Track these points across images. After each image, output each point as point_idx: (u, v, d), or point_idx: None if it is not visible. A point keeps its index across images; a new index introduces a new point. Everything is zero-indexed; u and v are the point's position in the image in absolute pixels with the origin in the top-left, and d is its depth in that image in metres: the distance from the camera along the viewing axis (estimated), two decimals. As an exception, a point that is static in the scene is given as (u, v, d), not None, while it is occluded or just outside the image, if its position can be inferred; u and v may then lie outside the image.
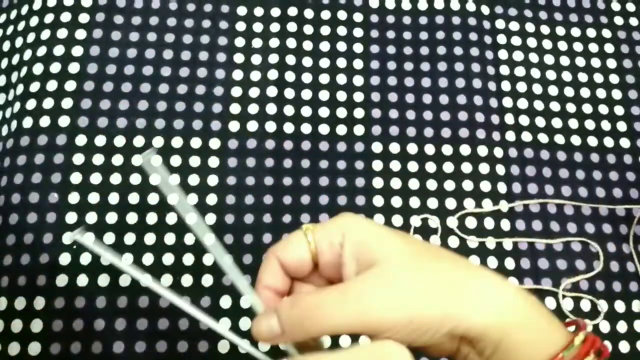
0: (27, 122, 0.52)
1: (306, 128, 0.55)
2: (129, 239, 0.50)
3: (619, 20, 0.63)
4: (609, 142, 0.58)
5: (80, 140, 0.52)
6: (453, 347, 0.32)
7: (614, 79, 0.61)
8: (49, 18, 0.56)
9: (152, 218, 0.51)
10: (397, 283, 0.29)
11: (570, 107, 0.59)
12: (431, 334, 0.30)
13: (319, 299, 0.29)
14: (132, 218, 0.51)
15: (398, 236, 0.31)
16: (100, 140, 0.53)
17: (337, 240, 0.31)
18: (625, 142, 0.58)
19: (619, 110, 0.60)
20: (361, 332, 0.30)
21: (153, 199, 0.52)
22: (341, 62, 0.58)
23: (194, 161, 0.53)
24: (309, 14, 0.60)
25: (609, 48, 0.62)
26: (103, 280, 0.49)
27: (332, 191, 0.54)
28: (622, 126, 0.59)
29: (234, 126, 0.55)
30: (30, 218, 0.50)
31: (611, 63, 0.61)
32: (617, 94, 0.60)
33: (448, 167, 0.55)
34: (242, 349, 0.31)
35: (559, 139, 0.58)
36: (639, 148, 0.58)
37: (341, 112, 0.56)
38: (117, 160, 0.52)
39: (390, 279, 0.30)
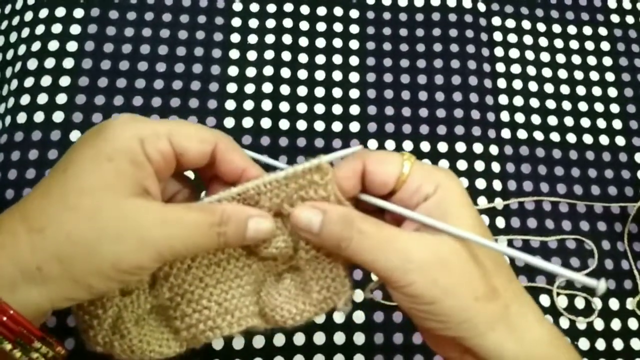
0: (21, 118, 0.52)
1: (302, 125, 0.55)
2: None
3: (615, 18, 0.63)
4: (604, 140, 0.58)
5: (75, 136, 0.52)
6: (456, 353, 0.32)
7: (609, 76, 0.61)
8: (43, 13, 0.55)
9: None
10: (442, 268, 0.29)
11: (566, 105, 0.59)
12: (441, 328, 0.30)
13: (371, 231, 0.29)
14: (126, 214, 0.51)
15: (475, 223, 0.30)
16: (94, 136, 0.52)
17: (428, 189, 0.31)
18: (620, 140, 0.58)
19: (614, 108, 0.60)
20: (380, 277, 0.30)
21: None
22: (337, 59, 0.58)
23: (189, 157, 0.53)
24: (305, 10, 0.59)
25: (605, 46, 0.62)
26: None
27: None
28: (617, 124, 0.59)
29: (229, 122, 0.54)
30: (24, 214, 0.49)
31: (607, 61, 0.61)
32: (612, 92, 0.60)
33: (443, 164, 0.55)
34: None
35: (555, 136, 0.58)
36: (634, 146, 0.58)
37: (337, 109, 0.56)
38: (112, 156, 0.52)
39: (438, 262, 0.29)
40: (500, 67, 0.60)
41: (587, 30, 0.62)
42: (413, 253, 0.29)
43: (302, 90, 0.56)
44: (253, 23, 0.58)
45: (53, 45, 0.54)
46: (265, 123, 0.55)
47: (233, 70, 0.56)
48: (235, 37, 0.57)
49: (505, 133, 0.57)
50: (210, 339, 0.32)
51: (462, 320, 0.29)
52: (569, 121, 0.59)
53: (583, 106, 0.59)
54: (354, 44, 0.59)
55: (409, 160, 0.31)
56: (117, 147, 0.28)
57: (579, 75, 0.60)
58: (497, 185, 0.55)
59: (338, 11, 0.60)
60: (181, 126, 0.31)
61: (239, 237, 0.30)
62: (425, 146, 0.56)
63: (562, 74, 0.60)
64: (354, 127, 0.56)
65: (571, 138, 0.58)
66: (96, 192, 0.27)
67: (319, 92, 0.57)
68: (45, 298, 0.27)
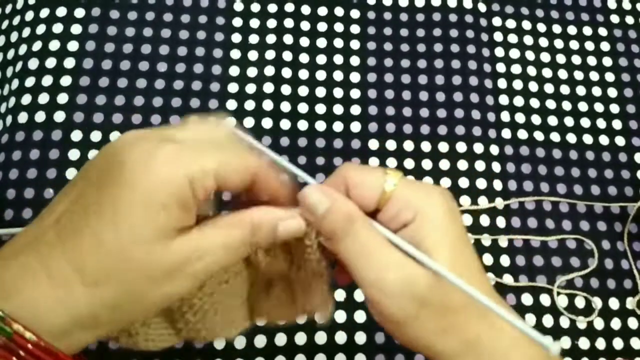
0: (23, 118, 0.52)
1: (303, 125, 0.55)
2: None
3: (615, 19, 0.64)
4: (604, 140, 0.58)
5: (76, 135, 0.52)
6: None
7: (609, 77, 0.61)
8: (44, 12, 0.55)
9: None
10: (411, 297, 0.29)
11: (566, 105, 0.59)
12: (410, 347, 0.30)
13: (364, 238, 0.30)
14: (128, 214, 0.51)
15: (452, 255, 0.30)
16: (96, 136, 0.52)
17: (407, 216, 0.30)
18: (620, 140, 0.59)
19: (614, 108, 0.60)
20: (356, 282, 0.30)
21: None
22: (338, 59, 0.58)
23: (190, 157, 0.53)
24: (305, 10, 0.59)
25: (605, 46, 0.62)
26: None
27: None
28: (617, 124, 0.59)
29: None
30: (26, 214, 0.49)
31: (607, 61, 0.62)
32: (612, 92, 0.60)
33: (444, 164, 0.56)
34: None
35: (555, 136, 0.58)
36: (634, 146, 0.59)
37: (338, 109, 0.56)
38: (113, 156, 0.52)
39: (409, 291, 0.29)
40: (501, 68, 0.60)
41: (587, 31, 0.63)
42: (389, 274, 0.29)
43: (303, 90, 0.56)
44: (254, 23, 0.58)
45: (54, 45, 0.54)
46: (267, 123, 0.55)
47: (234, 70, 0.56)
48: (236, 37, 0.57)
49: (506, 133, 0.57)
50: (206, 341, 0.34)
51: (427, 348, 0.30)
52: (569, 121, 0.59)
53: (583, 106, 0.59)
54: (354, 44, 0.59)
55: (393, 177, 0.30)
56: (170, 193, 0.27)
57: (579, 75, 0.61)
58: (497, 185, 0.55)
59: (339, 11, 0.60)
60: (228, 159, 0.29)
61: (269, 241, 0.31)
62: (426, 146, 0.56)
63: (562, 74, 0.60)
64: (355, 127, 0.56)
65: (571, 138, 0.58)
66: (151, 244, 0.27)
67: (320, 92, 0.57)
68: (95, 337, 0.28)
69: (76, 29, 0.55)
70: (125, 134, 0.29)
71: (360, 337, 0.50)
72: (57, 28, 0.55)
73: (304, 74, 0.57)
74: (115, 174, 0.27)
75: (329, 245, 0.31)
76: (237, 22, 0.58)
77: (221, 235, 0.29)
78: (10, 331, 0.25)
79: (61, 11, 0.56)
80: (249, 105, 0.55)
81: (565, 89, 0.60)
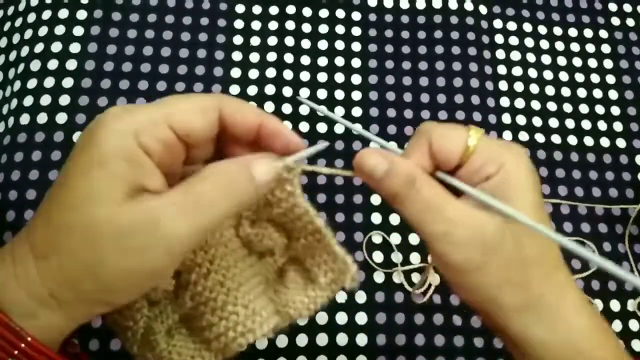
0: (25, 119, 0.52)
1: (304, 126, 0.55)
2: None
3: (615, 21, 0.64)
4: (605, 142, 0.59)
5: (78, 137, 0.52)
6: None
7: (610, 79, 0.61)
8: (46, 15, 0.55)
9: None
10: (482, 247, 0.29)
11: (567, 107, 0.59)
12: (472, 300, 0.30)
13: (427, 195, 0.29)
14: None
15: (533, 207, 0.29)
16: (97, 138, 0.52)
17: (490, 169, 0.30)
18: (621, 143, 0.59)
19: (615, 110, 0.60)
20: (422, 239, 0.30)
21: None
22: (339, 61, 0.58)
23: (192, 159, 0.53)
24: (307, 12, 0.60)
25: (606, 48, 0.62)
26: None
27: (330, 190, 0.54)
28: (618, 126, 0.59)
29: (232, 124, 0.55)
30: (28, 215, 0.49)
31: (608, 63, 0.62)
32: (613, 94, 0.61)
33: (445, 166, 0.56)
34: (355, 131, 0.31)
35: (556, 138, 0.58)
36: (635, 148, 0.59)
37: (339, 111, 0.56)
38: (115, 157, 0.52)
39: (479, 241, 0.29)
40: (502, 70, 0.60)
41: (588, 33, 0.63)
42: (458, 226, 0.29)
43: (304, 92, 0.57)
44: (256, 25, 0.58)
45: (56, 47, 0.54)
46: (268, 125, 0.55)
47: (236, 72, 0.56)
48: (237, 39, 0.58)
49: (507, 135, 0.57)
50: (243, 346, 0.30)
51: (489, 300, 0.29)
52: (570, 123, 0.59)
53: (584, 108, 0.60)
54: (356, 46, 0.59)
55: (475, 135, 0.30)
56: (109, 149, 0.25)
57: (579, 77, 0.61)
58: (498, 187, 0.55)
59: (340, 13, 0.60)
60: (178, 104, 0.27)
61: (250, 193, 0.28)
62: (427, 148, 0.56)
63: (563, 76, 0.60)
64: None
65: (572, 140, 0.58)
66: (88, 206, 0.25)
67: (322, 94, 0.57)
68: (65, 320, 0.26)
69: (78, 30, 0.55)
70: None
71: (362, 339, 0.50)
72: (59, 30, 0.55)
73: (305, 76, 0.57)
74: (76, 146, 0.27)
75: (393, 204, 0.31)
76: (239, 24, 0.58)
77: (188, 194, 0.26)
78: None
79: (63, 13, 0.56)
80: (251, 107, 0.55)
81: (566, 91, 0.60)
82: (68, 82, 0.54)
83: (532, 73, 0.60)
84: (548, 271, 0.30)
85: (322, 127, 0.56)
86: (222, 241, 0.31)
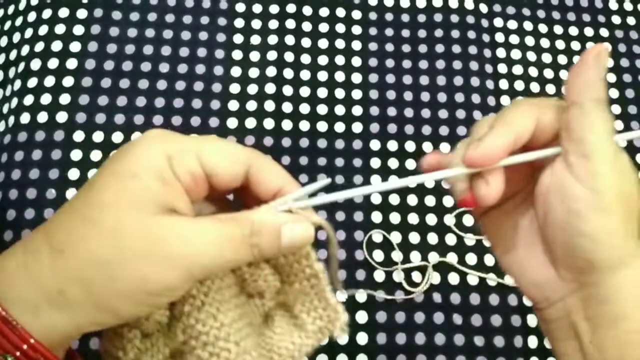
0: (25, 118, 0.52)
1: (304, 125, 0.55)
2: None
3: (616, 20, 0.64)
4: (605, 140, 0.58)
5: (78, 136, 0.52)
6: (559, 291, 0.31)
7: (611, 77, 0.61)
8: (46, 14, 0.56)
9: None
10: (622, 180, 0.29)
11: (568, 106, 0.59)
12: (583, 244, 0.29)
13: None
14: (130, 214, 0.51)
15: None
16: (98, 137, 0.53)
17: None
18: (622, 141, 0.59)
19: (616, 109, 0.60)
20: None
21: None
22: (340, 60, 0.58)
23: (192, 158, 0.53)
24: (307, 11, 0.60)
25: (607, 47, 0.62)
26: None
27: (330, 188, 0.54)
28: (619, 125, 0.59)
29: (232, 123, 0.55)
30: (28, 214, 0.50)
31: (608, 62, 0.62)
32: (614, 93, 0.60)
33: (446, 165, 0.56)
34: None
35: (556, 137, 0.58)
36: (635, 147, 0.59)
37: (339, 110, 0.56)
38: (115, 156, 0.52)
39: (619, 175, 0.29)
40: (502, 68, 0.60)
41: (589, 32, 0.63)
42: (610, 151, 0.29)
43: (304, 91, 0.56)
44: (256, 24, 0.58)
45: (56, 46, 0.54)
46: (268, 124, 0.55)
47: (236, 71, 0.56)
48: (238, 38, 0.58)
49: (507, 134, 0.57)
50: None
51: (601, 245, 0.28)
52: (570, 122, 0.59)
53: (585, 107, 0.59)
54: (356, 45, 0.59)
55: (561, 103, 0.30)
56: (143, 163, 0.26)
57: (580, 76, 0.61)
58: (499, 185, 0.55)
59: (340, 12, 0.60)
60: (211, 144, 0.28)
61: (273, 247, 0.28)
62: (427, 147, 0.56)
63: (564, 75, 0.60)
64: (357, 127, 0.56)
65: (573, 139, 0.58)
66: (119, 208, 0.25)
67: (322, 92, 0.57)
68: (69, 323, 0.26)
69: (78, 29, 0.55)
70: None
71: (362, 338, 0.50)
72: (60, 29, 0.55)
73: (305, 75, 0.57)
74: (110, 159, 0.27)
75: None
76: (239, 23, 0.58)
77: (216, 227, 0.27)
78: None
79: (63, 12, 0.56)
80: (251, 105, 0.55)
81: (566, 90, 0.60)
82: (68, 81, 0.54)
83: (533, 72, 0.60)
84: None
85: (322, 126, 0.55)
86: (219, 275, 0.30)
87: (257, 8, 0.59)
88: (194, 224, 0.26)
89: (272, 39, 0.58)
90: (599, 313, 0.29)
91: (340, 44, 0.59)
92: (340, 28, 0.59)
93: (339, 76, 0.57)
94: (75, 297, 0.25)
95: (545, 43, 0.62)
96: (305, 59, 0.58)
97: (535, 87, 0.60)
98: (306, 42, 0.58)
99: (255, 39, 0.58)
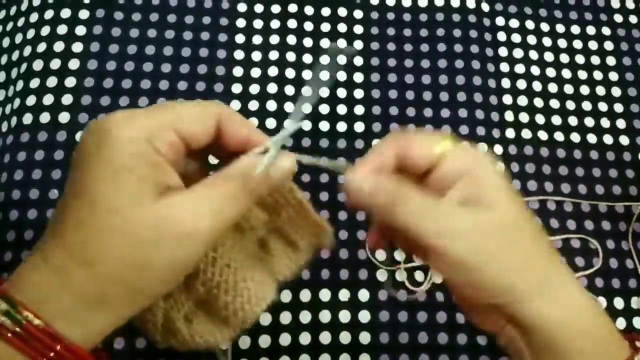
0: (27, 119, 0.52)
1: (306, 125, 0.55)
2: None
3: (618, 18, 0.63)
4: (608, 139, 0.58)
5: (82, 143, 0.52)
6: (497, 324, 0.31)
7: (613, 76, 0.61)
8: (48, 14, 0.56)
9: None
10: (483, 235, 0.29)
11: (570, 105, 0.59)
12: (482, 296, 0.30)
13: (417, 198, 0.30)
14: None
15: (510, 197, 0.30)
16: (100, 137, 0.53)
17: (461, 174, 0.30)
18: (624, 140, 0.59)
19: (618, 107, 0.60)
20: (422, 244, 0.30)
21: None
22: (341, 59, 0.58)
23: (195, 158, 0.53)
24: (309, 10, 0.60)
25: (609, 45, 0.62)
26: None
27: (333, 188, 0.54)
28: (621, 124, 0.59)
29: (234, 123, 0.55)
30: (31, 214, 0.50)
31: (610, 60, 0.62)
32: (616, 92, 0.60)
33: (448, 164, 0.56)
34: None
35: (559, 136, 0.58)
36: (638, 145, 0.59)
37: (341, 109, 0.56)
38: (118, 156, 0.52)
39: (480, 230, 0.29)
40: (504, 67, 0.60)
41: (591, 30, 0.63)
42: (456, 220, 0.29)
43: (306, 91, 0.56)
44: (257, 24, 0.58)
45: (58, 47, 0.55)
46: (270, 123, 0.55)
47: (238, 71, 0.56)
48: (240, 38, 0.58)
49: (510, 133, 0.57)
50: (259, 314, 0.34)
51: (504, 287, 0.29)
52: (572, 121, 0.59)
53: (587, 105, 0.59)
54: (358, 44, 0.59)
55: (445, 142, 0.31)
56: (131, 155, 0.27)
57: (582, 74, 0.61)
58: (501, 184, 0.55)
59: (342, 12, 0.60)
60: (182, 110, 0.30)
61: (266, 186, 0.31)
62: (429, 146, 0.56)
63: (566, 73, 0.60)
64: (359, 127, 0.56)
65: (575, 137, 0.58)
66: (126, 208, 0.27)
67: (324, 92, 0.57)
68: (111, 320, 0.28)
69: (80, 30, 0.56)
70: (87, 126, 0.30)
71: (365, 337, 0.50)
72: (62, 29, 0.55)
73: (307, 75, 0.57)
74: (84, 154, 0.28)
75: (383, 218, 0.31)
76: (241, 23, 0.58)
77: (215, 191, 0.29)
78: (21, 318, 0.25)
79: (65, 13, 0.56)
80: (253, 105, 0.55)
81: (569, 89, 0.60)
82: (70, 82, 0.54)
83: (535, 70, 0.60)
84: (546, 251, 0.31)
85: (324, 126, 0.56)
86: None
87: (258, 8, 0.59)
88: (195, 195, 0.28)
89: (274, 39, 0.58)
90: (532, 341, 0.30)
91: (342, 43, 0.59)
92: (342, 27, 0.59)
93: (341, 75, 0.57)
94: (114, 296, 0.27)
95: (547, 41, 0.61)
96: (307, 58, 0.58)
97: (537, 85, 0.59)
98: (308, 42, 0.58)
99: (257, 39, 0.58)
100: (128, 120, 0.28)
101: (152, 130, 0.28)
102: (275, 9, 0.59)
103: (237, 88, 0.56)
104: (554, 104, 0.59)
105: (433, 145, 0.31)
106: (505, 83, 0.59)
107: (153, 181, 0.27)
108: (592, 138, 0.58)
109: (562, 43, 0.62)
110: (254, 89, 0.56)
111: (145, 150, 0.28)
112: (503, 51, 0.60)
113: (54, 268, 0.27)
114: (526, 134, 0.58)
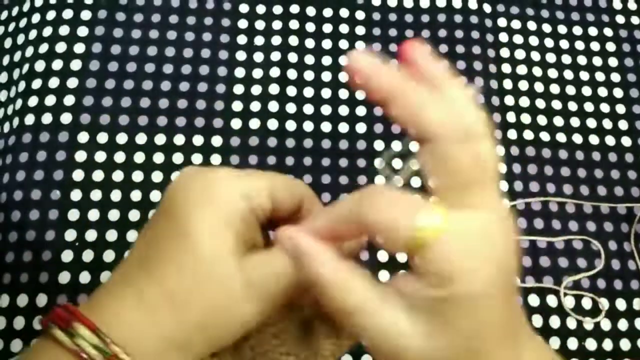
0: (29, 119, 0.52)
1: (308, 126, 0.55)
2: (132, 236, 0.50)
3: (620, 19, 0.63)
4: (610, 140, 0.58)
5: (83, 137, 0.52)
6: None
7: (615, 77, 0.61)
8: (50, 15, 0.56)
9: (154, 215, 0.51)
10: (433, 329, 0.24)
11: (572, 106, 0.59)
12: None
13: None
14: (134, 215, 0.51)
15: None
16: (102, 138, 0.53)
17: (444, 274, 0.23)
18: (626, 141, 0.59)
19: (620, 108, 0.60)
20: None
21: (155, 196, 0.51)
22: (343, 60, 0.58)
23: (196, 158, 0.53)
24: (311, 11, 0.60)
25: (611, 47, 0.62)
26: (106, 277, 0.49)
27: (335, 189, 0.54)
28: (623, 125, 0.59)
29: (236, 124, 0.55)
30: (33, 215, 0.50)
31: (613, 61, 0.62)
32: (618, 93, 0.60)
33: (450, 165, 0.55)
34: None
35: (561, 137, 0.58)
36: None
37: (343, 110, 0.56)
38: (119, 157, 0.52)
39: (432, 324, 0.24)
40: (506, 68, 0.60)
41: (593, 31, 0.63)
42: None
43: (308, 92, 0.56)
44: (259, 25, 0.58)
45: (60, 47, 0.55)
46: (272, 124, 0.55)
47: (240, 72, 0.56)
48: (241, 39, 0.58)
49: (512, 134, 0.57)
50: None
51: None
52: (575, 122, 0.59)
53: (589, 107, 0.59)
54: (360, 46, 0.59)
55: (429, 215, 0.23)
56: (232, 211, 0.28)
57: (584, 76, 0.61)
58: (503, 185, 0.55)
59: (344, 13, 0.60)
60: (278, 181, 0.31)
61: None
62: (431, 147, 0.56)
63: (568, 74, 0.60)
64: (361, 128, 0.56)
65: (577, 139, 0.58)
66: (222, 258, 0.28)
67: (326, 93, 0.57)
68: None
69: (82, 31, 0.56)
70: (183, 169, 0.31)
71: (367, 338, 0.50)
72: (64, 30, 0.55)
73: (309, 75, 0.57)
74: (189, 200, 0.29)
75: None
76: (243, 23, 0.58)
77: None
78: (110, 352, 0.26)
79: (67, 13, 0.56)
80: (255, 106, 0.55)
81: (571, 90, 0.60)
82: (72, 83, 0.54)
83: (537, 71, 0.60)
84: (522, 326, 0.28)
85: (326, 127, 0.56)
86: None
87: (260, 9, 0.59)
88: (278, 256, 0.29)
89: (276, 40, 0.58)
90: None
91: (344, 44, 0.59)
92: (343, 28, 0.59)
93: (343, 76, 0.57)
94: (197, 342, 0.28)
95: (549, 43, 0.61)
96: (309, 59, 0.58)
97: (539, 86, 0.59)
98: (310, 43, 0.58)
99: (259, 40, 0.58)
100: (233, 178, 0.30)
101: (250, 190, 0.29)
102: (277, 9, 0.59)
103: (239, 89, 0.56)
104: (556, 105, 0.59)
105: (414, 221, 0.23)
106: (507, 84, 0.59)
107: (246, 238, 0.29)
108: (594, 139, 0.58)
109: (564, 44, 0.62)
110: (256, 89, 0.56)
111: (244, 209, 0.29)
112: (505, 52, 0.60)
113: (149, 309, 0.28)
114: (528, 135, 0.57)
